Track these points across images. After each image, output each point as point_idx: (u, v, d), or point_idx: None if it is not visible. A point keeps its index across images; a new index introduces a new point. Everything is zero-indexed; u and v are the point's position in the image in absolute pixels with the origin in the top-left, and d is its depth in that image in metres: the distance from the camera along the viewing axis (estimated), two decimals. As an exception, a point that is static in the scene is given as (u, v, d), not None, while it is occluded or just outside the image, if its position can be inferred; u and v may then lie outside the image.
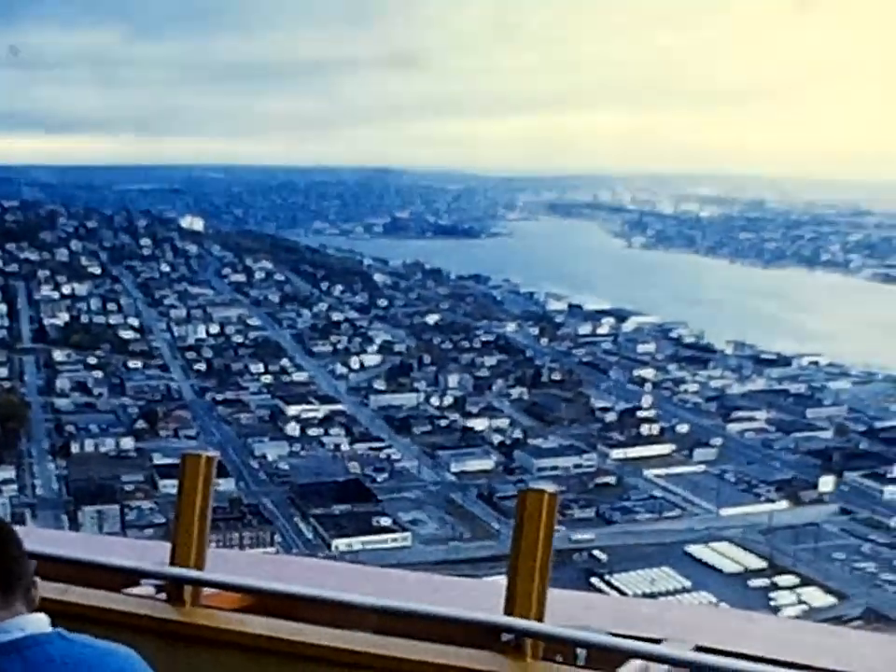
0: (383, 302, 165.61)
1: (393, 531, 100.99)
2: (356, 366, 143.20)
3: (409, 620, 4.60)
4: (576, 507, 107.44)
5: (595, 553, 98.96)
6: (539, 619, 4.46)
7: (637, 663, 4.32)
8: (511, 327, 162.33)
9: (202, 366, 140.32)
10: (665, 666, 4.34)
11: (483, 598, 4.81)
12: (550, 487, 4.63)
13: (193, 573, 4.88)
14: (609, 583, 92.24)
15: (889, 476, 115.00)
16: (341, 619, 4.65)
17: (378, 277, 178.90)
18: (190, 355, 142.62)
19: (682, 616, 5.93)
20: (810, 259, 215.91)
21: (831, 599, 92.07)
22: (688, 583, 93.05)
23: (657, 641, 4.49)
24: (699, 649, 4.46)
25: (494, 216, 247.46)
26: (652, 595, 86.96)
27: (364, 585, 5.41)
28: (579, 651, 4.46)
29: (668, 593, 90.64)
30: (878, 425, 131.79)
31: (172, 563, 4.88)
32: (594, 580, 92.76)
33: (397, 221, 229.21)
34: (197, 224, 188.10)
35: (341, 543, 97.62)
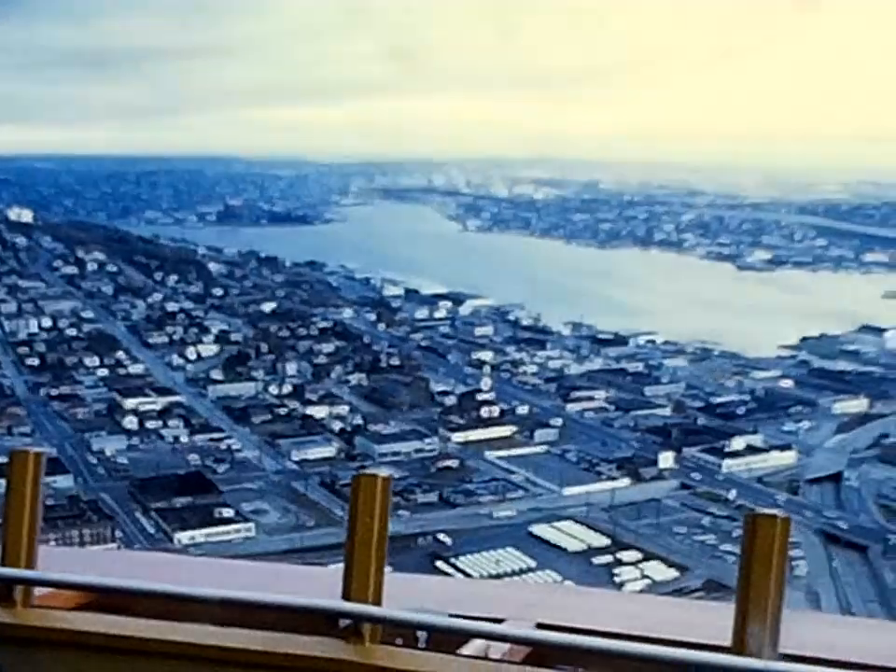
0: (218, 292, 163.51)
1: (236, 522, 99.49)
2: (192, 356, 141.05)
3: (251, 610, 4.47)
4: (419, 491, 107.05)
5: (440, 536, 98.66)
6: (377, 603, 4.33)
7: (479, 643, 4.29)
8: (348, 313, 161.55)
9: (34, 361, 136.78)
10: (507, 645, 4.28)
11: (326, 585, 4.55)
12: (384, 471, 4.36)
13: (22, 573, 4.62)
14: (454, 566, 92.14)
15: (726, 450, 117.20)
16: (181, 612, 4.49)
17: (213, 266, 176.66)
18: (23, 350, 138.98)
19: (525, 595, 5.88)
20: (645, 238, 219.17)
21: (673, 572, 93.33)
22: (533, 563, 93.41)
23: (499, 621, 4.45)
24: (540, 626, 4.46)
25: (328, 202, 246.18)
26: (498, 576, 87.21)
27: (206, 577, 5.30)
28: (419, 633, 4.36)
29: (514, 573, 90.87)
30: (715, 400, 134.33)
31: (1, 564, 4.59)
32: (439, 563, 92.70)
33: (230, 209, 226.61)
34: (25, 215, 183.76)
35: (183, 536, 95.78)
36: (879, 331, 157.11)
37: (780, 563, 3.85)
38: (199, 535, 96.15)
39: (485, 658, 4.24)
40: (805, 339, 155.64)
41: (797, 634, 4.28)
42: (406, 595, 4.66)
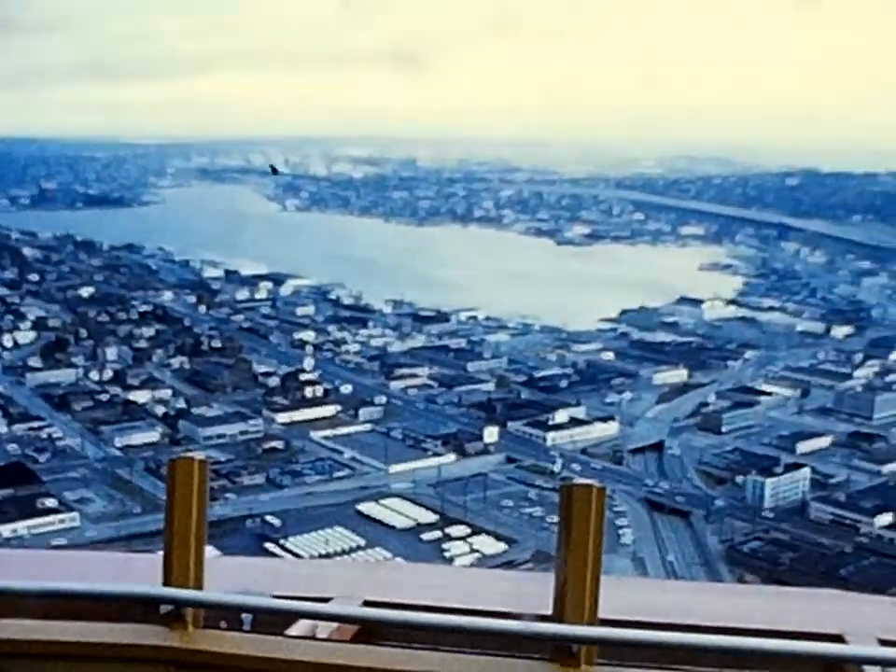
0: (34, 277, 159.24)
1: (60, 512, 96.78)
2: (9, 344, 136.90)
3: (72, 601, 4.45)
4: (245, 473, 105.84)
5: (268, 518, 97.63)
6: (199, 587, 4.35)
7: (305, 623, 4.39)
8: (167, 296, 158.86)
9: None
10: (335, 624, 4.40)
11: (150, 572, 4.50)
12: (200, 455, 4.42)
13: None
14: (283, 547, 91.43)
15: (550, 423, 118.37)
16: (0, 608, 4.41)
17: (27, 251, 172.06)
18: None
19: (351, 573, 6.21)
20: (464, 215, 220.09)
21: (502, 545, 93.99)
22: (362, 541, 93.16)
23: (326, 600, 4.57)
24: (368, 603, 4.58)
25: (145, 183, 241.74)
26: (328, 556, 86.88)
27: (26, 570, 5.24)
28: (244, 616, 4.42)
29: (343, 552, 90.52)
30: (538, 374, 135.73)
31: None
32: (268, 545, 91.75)
33: (44, 192, 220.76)
34: None
35: (5, 530, 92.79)
36: (697, 303, 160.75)
37: (597, 531, 4.00)
38: (21, 527, 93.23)
39: (313, 638, 4.32)
40: (624, 311, 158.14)
41: (619, 599, 4.66)
42: (231, 577, 4.82)
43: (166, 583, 4.32)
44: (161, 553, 4.38)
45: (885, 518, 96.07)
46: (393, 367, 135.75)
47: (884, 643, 4.36)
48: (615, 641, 4.07)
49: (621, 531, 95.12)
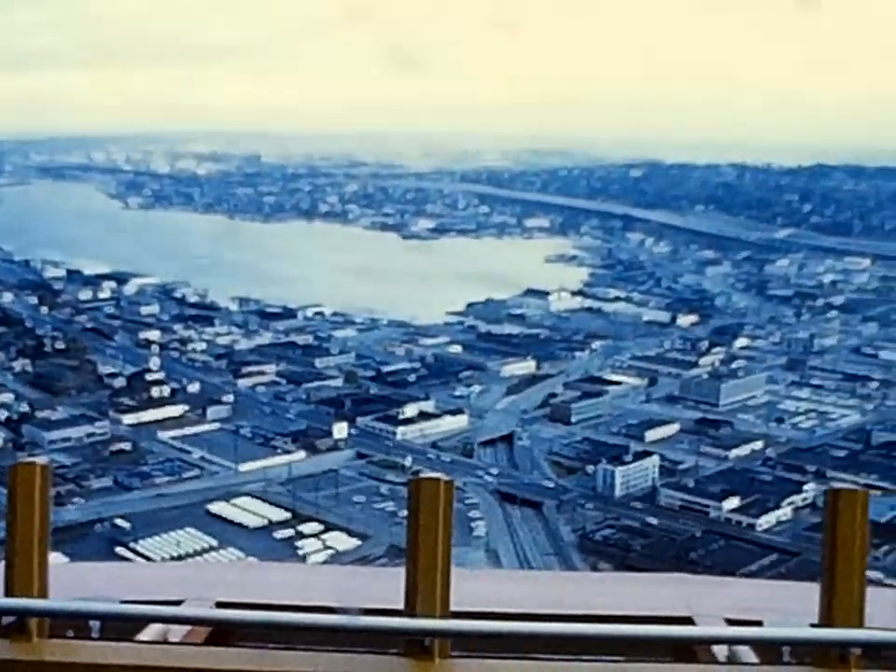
0: None
1: None
2: None
3: None
4: (92, 477, 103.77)
5: (118, 521, 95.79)
6: (43, 595, 4.23)
7: (157, 627, 4.30)
8: (7, 297, 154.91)
9: None
10: (187, 627, 4.32)
11: None
12: (42, 459, 4.30)
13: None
14: (134, 551, 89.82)
15: (399, 418, 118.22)
16: None
17: None
18: None
19: (203, 575, 6.20)
20: (309, 211, 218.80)
21: (355, 541, 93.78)
22: (214, 542, 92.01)
23: (177, 603, 4.51)
24: (220, 605, 4.56)
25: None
26: (179, 558, 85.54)
27: None
28: (92, 623, 4.28)
29: (195, 553, 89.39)
30: (385, 369, 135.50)
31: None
32: (119, 549, 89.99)
33: None
34: None
35: None
36: (543, 294, 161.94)
37: (446, 524, 4.05)
38: None
39: (164, 642, 4.23)
40: (471, 304, 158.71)
41: (472, 591, 4.73)
42: (79, 584, 4.64)
43: (8, 593, 4.17)
44: (2, 562, 4.23)
45: (732, 502, 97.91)
46: (240, 365, 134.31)
47: (731, 622, 4.56)
48: (468, 633, 4.12)
49: (473, 524, 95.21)
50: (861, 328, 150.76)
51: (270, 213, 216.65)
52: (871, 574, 4.37)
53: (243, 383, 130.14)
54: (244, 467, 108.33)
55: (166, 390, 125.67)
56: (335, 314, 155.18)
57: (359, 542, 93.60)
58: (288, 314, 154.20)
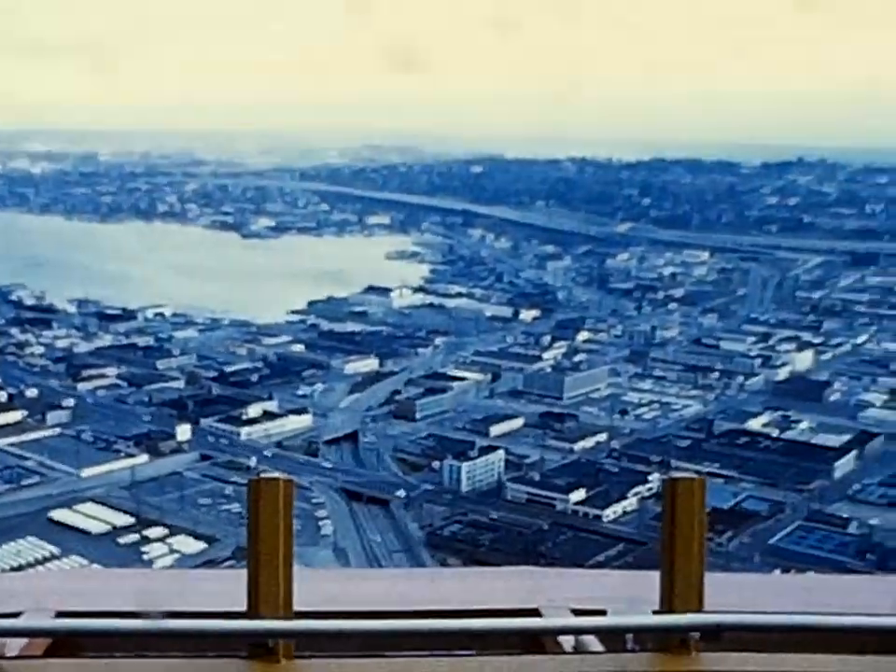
0: None
1: None
2: None
3: None
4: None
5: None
6: None
7: None
8: None
9: None
10: (25, 640, 4.19)
11: None
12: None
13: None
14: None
15: (244, 418, 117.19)
16: None
17: None
18: None
19: (43, 584, 5.95)
20: (148, 211, 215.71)
21: (201, 544, 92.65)
22: (56, 550, 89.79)
23: (16, 615, 4.38)
24: (61, 615, 4.42)
25: None
26: (20, 568, 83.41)
27: None
28: None
29: (37, 562, 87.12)
30: (228, 369, 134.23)
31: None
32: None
33: None
34: None
35: None
36: (385, 291, 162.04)
37: (287, 523, 4.00)
38: None
39: (1, 657, 4.03)
40: (312, 303, 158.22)
41: (319, 591, 4.80)
42: None
43: None
44: None
45: (578, 494, 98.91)
46: (80, 368, 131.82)
47: (577, 613, 4.55)
48: (311, 633, 4.08)
49: (320, 523, 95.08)
50: (701, 319, 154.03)
51: (108, 213, 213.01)
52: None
53: (83, 386, 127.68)
54: (86, 472, 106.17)
55: (3, 396, 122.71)
56: (176, 314, 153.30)
57: (206, 545, 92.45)
58: (128, 315, 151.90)
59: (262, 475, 4.04)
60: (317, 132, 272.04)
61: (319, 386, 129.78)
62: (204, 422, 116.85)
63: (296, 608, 4.12)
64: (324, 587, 5.32)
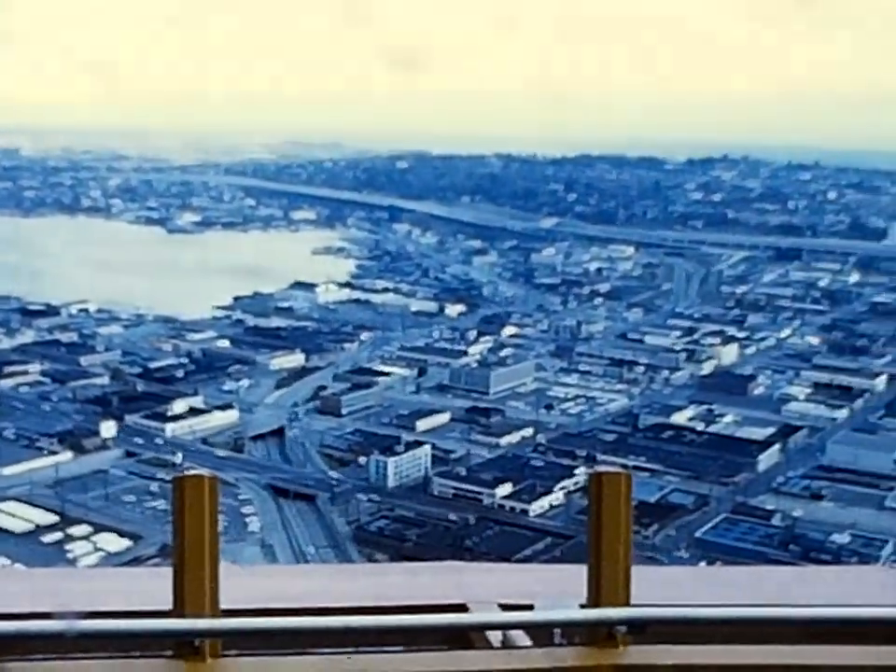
0: None
1: None
2: None
3: None
4: None
5: None
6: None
7: None
8: None
9: None
10: None
11: None
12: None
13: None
14: None
15: (168, 414, 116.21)
16: None
17: None
18: None
19: None
20: (71, 206, 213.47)
21: (126, 542, 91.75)
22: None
23: None
24: None
25: None
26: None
27: None
28: None
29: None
30: (153, 365, 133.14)
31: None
32: None
33: None
34: None
35: None
36: (311, 287, 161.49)
37: (212, 521, 3.98)
38: None
39: None
40: (238, 298, 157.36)
41: (246, 588, 4.77)
42: None
43: None
44: None
45: (505, 488, 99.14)
46: (2, 364, 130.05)
47: (505, 608, 4.58)
48: (237, 632, 4.06)
49: (247, 519, 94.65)
50: (626, 314, 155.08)
51: (30, 208, 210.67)
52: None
53: (5, 383, 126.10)
54: (7, 470, 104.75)
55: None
56: (100, 310, 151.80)
57: (131, 543, 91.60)
58: (52, 311, 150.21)
59: (187, 472, 3.99)
60: (244, 127, 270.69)
61: (245, 382, 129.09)
62: (129, 418, 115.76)
63: (223, 605, 4.08)
64: (251, 584, 5.28)
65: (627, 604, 4.23)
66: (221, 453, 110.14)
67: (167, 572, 4.19)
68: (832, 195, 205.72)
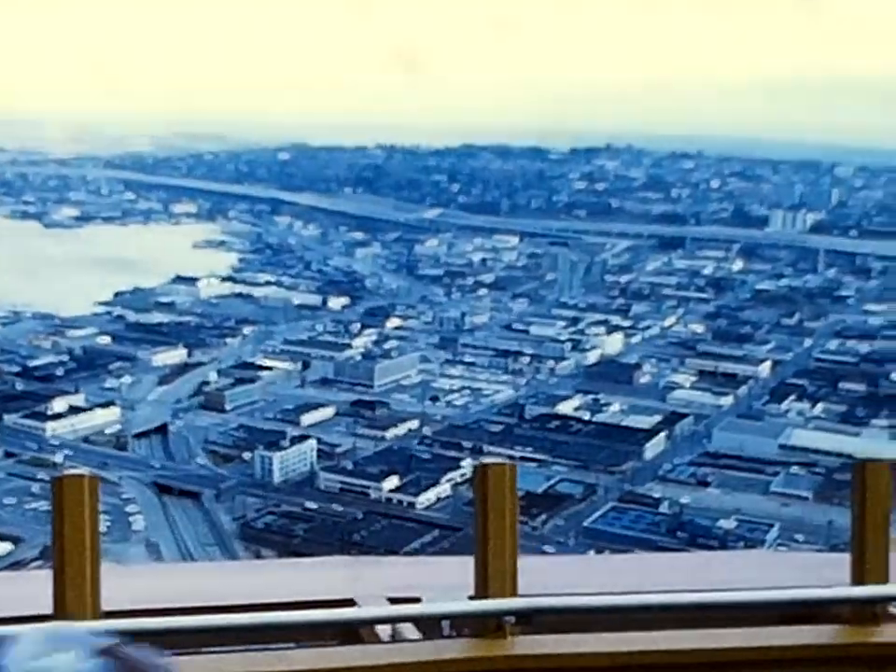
0: None
1: None
2: None
3: None
4: None
5: None
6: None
7: None
8: None
9: None
10: None
11: None
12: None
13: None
14: None
15: (49, 413, 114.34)
16: None
17: None
18: None
19: None
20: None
21: (7, 545, 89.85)
22: None
23: None
24: None
25: None
26: None
27: None
28: None
29: None
30: (31, 364, 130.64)
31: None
32: None
33: None
34: None
35: None
36: (192, 281, 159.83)
37: (93, 521, 4.01)
38: None
39: None
40: (118, 294, 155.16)
41: (130, 588, 4.71)
42: None
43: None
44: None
45: (392, 481, 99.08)
46: None
47: (393, 601, 4.57)
48: (120, 634, 3.55)
49: (131, 518, 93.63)
50: (511, 304, 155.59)
51: None
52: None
53: None
54: None
55: None
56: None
57: (11, 546, 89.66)
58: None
59: (66, 472, 4.07)
60: (123, 119, 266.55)
61: (127, 379, 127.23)
62: (8, 418, 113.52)
63: (106, 607, 4.00)
64: (134, 584, 5.18)
65: (515, 594, 4.27)
66: (104, 451, 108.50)
67: (49, 575, 4.11)
68: (714, 184, 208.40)
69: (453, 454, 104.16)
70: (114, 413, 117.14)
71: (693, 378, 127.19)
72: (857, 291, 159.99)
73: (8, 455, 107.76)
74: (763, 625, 4.58)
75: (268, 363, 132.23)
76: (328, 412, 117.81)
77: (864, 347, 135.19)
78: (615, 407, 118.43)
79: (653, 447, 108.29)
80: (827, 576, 4.81)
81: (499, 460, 4.46)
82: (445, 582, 4.67)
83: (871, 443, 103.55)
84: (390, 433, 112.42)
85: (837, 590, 4.59)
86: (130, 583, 5.14)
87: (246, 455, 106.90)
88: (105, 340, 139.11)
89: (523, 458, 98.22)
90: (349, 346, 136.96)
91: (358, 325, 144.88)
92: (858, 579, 4.46)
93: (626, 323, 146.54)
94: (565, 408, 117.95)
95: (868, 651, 4.49)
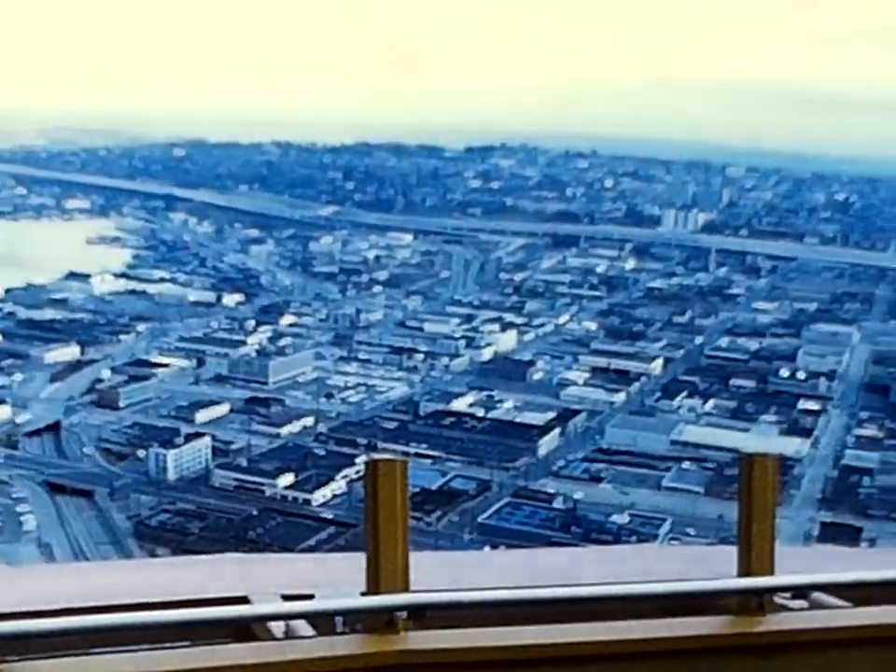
0: None
1: None
2: None
3: None
4: None
5: None
6: None
7: None
8: None
9: None
10: None
11: None
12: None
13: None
14: None
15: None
16: None
17: None
18: None
19: None
20: None
21: None
22: None
23: None
24: None
25: None
26: None
27: None
28: None
29: None
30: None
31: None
32: None
33: None
34: None
35: None
36: (86, 277, 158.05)
37: None
38: None
39: None
40: (9, 290, 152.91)
41: (20, 590, 4.69)
42: None
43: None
44: None
45: (287, 478, 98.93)
46: None
47: (287, 598, 4.58)
48: (6, 637, 3.86)
49: (23, 517, 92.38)
50: (405, 301, 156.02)
51: None
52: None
53: None
54: None
55: None
56: None
57: None
58: None
59: None
60: (14, 113, 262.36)
61: (18, 376, 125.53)
62: None
63: None
64: (23, 585, 5.14)
65: (407, 590, 4.30)
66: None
67: None
68: (608, 183, 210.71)
69: (348, 450, 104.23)
70: (4, 411, 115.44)
71: (587, 375, 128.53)
72: (747, 290, 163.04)
73: None
74: (653, 617, 4.68)
75: (162, 360, 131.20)
76: (222, 409, 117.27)
77: (754, 345, 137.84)
78: (509, 404, 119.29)
79: (547, 443, 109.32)
80: (716, 568, 5.02)
81: (390, 456, 4.46)
82: (339, 579, 4.68)
83: (760, 438, 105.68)
84: (285, 430, 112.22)
85: (724, 581, 4.78)
86: (19, 585, 5.10)
87: (141, 453, 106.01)
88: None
89: (417, 455, 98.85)
90: (244, 343, 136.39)
91: (253, 322, 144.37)
92: (744, 570, 4.67)
93: (520, 320, 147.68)
94: (459, 405, 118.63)
95: (754, 641, 4.67)
